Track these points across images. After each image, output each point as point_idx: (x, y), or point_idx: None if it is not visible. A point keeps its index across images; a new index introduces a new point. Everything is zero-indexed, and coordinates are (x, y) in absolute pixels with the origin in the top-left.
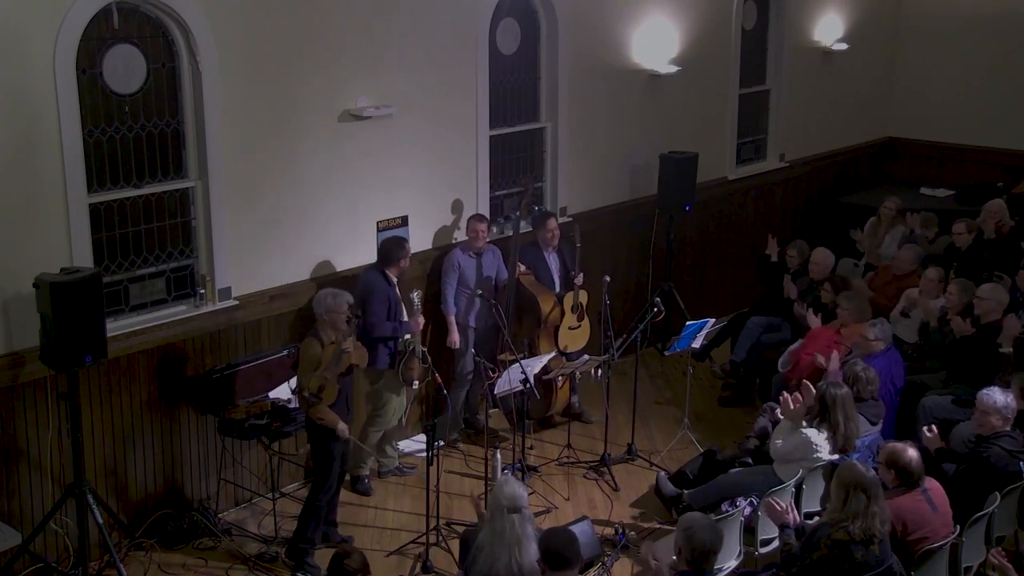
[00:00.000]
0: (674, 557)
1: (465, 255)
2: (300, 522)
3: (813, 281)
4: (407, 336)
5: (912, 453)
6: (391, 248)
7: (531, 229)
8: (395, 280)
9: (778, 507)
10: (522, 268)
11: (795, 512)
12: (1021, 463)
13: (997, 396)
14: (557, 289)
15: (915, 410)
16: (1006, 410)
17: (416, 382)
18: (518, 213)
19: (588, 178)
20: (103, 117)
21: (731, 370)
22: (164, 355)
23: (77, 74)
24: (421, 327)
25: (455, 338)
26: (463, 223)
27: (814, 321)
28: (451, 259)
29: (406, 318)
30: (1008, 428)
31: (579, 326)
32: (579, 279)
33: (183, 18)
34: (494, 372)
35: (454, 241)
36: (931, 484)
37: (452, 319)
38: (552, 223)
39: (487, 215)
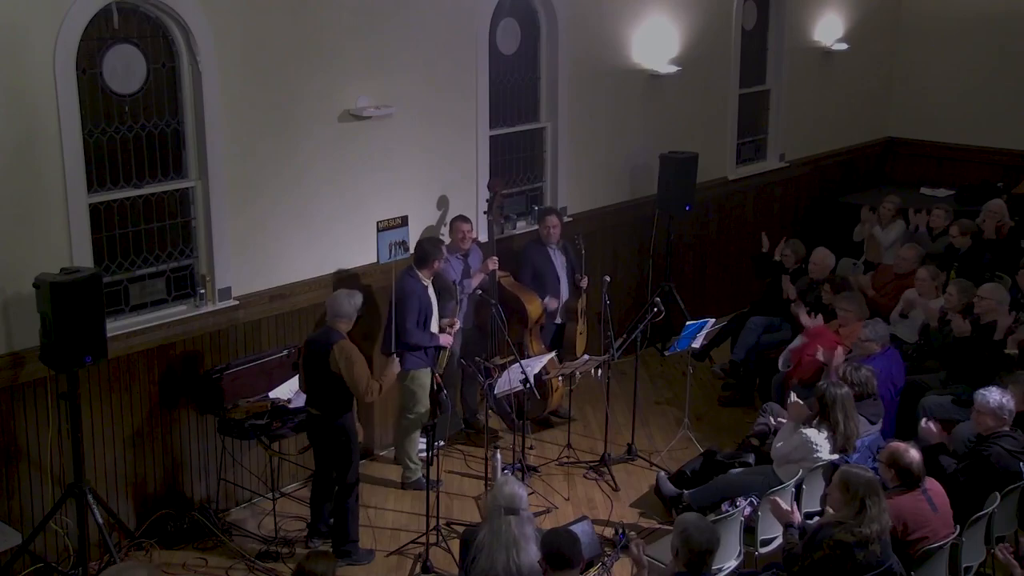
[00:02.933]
0: (672, 558)
1: (452, 256)
2: (337, 526)
3: (813, 281)
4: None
5: (913, 454)
6: (429, 249)
7: (532, 230)
8: (428, 283)
9: (783, 506)
10: (501, 272)
11: (798, 511)
12: (1021, 463)
13: (993, 396)
14: (563, 290)
15: (915, 410)
16: (1002, 411)
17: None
18: (489, 217)
19: (588, 178)
20: (103, 117)
21: (731, 370)
22: (164, 355)
23: (77, 74)
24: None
25: (449, 338)
26: (448, 219)
27: (807, 320)
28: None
29: (435, 322)
30: (1007, 428)
31: (584, 329)
32: (584, 282)
33: (183, 18)
34: (491, 374)
35: (440, 237)
36: (931, 484)
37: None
38: (552, 219)
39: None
